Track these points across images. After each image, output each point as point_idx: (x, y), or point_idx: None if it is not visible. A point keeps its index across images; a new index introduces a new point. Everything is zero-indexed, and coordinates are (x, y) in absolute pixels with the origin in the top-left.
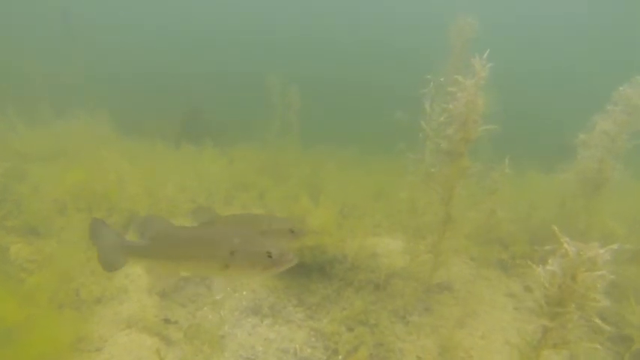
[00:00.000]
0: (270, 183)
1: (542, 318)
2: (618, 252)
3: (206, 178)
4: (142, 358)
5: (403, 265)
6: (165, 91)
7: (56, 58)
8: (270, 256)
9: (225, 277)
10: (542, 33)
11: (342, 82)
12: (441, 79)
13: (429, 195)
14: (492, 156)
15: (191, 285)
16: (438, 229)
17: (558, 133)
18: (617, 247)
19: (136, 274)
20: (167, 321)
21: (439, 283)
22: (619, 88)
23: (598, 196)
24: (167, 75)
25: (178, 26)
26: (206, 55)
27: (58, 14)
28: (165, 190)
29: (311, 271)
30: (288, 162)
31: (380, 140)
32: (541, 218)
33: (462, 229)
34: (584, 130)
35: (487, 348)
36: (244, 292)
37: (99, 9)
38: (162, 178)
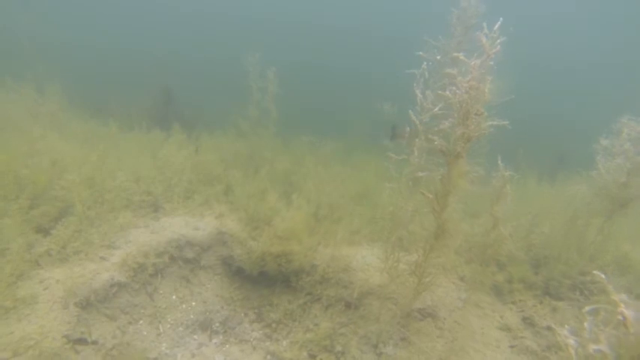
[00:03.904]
0: (239, 176)
1: None
2: None
3: (168, 168)
4: None
5: (381, 283)
6: (138, 72)
7: (10, 26)
8: None
9: None
10: (561, 28)
11: (332, 71)
12: (438, 57)
13: (415, 203)
14: (486, 160)
15: (126, 292)
16: (425, 245)
17: (560, 140)
18: None
19: (53, 279)
20: (81, 342)
21: (421, 308)
22: None
23: (621, 216)
24: (142, 53)
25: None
26: (187, 39)
27: None
28: (115, 180)
29: (274, 282)
30: (263, 154)
31: (368, 135)
32: (544, 235)
33: (453, 244)
34: (606, 134)
35: None
36: (193, 303)
37: None
38: (114, 166)
